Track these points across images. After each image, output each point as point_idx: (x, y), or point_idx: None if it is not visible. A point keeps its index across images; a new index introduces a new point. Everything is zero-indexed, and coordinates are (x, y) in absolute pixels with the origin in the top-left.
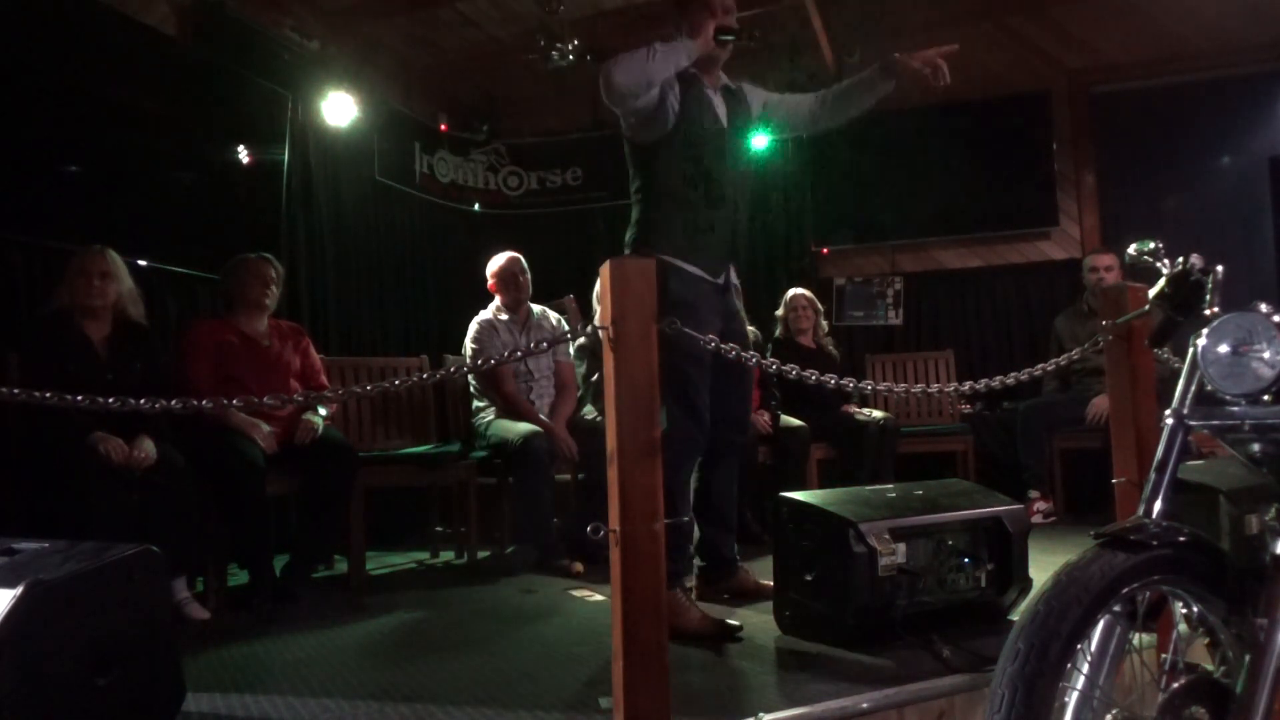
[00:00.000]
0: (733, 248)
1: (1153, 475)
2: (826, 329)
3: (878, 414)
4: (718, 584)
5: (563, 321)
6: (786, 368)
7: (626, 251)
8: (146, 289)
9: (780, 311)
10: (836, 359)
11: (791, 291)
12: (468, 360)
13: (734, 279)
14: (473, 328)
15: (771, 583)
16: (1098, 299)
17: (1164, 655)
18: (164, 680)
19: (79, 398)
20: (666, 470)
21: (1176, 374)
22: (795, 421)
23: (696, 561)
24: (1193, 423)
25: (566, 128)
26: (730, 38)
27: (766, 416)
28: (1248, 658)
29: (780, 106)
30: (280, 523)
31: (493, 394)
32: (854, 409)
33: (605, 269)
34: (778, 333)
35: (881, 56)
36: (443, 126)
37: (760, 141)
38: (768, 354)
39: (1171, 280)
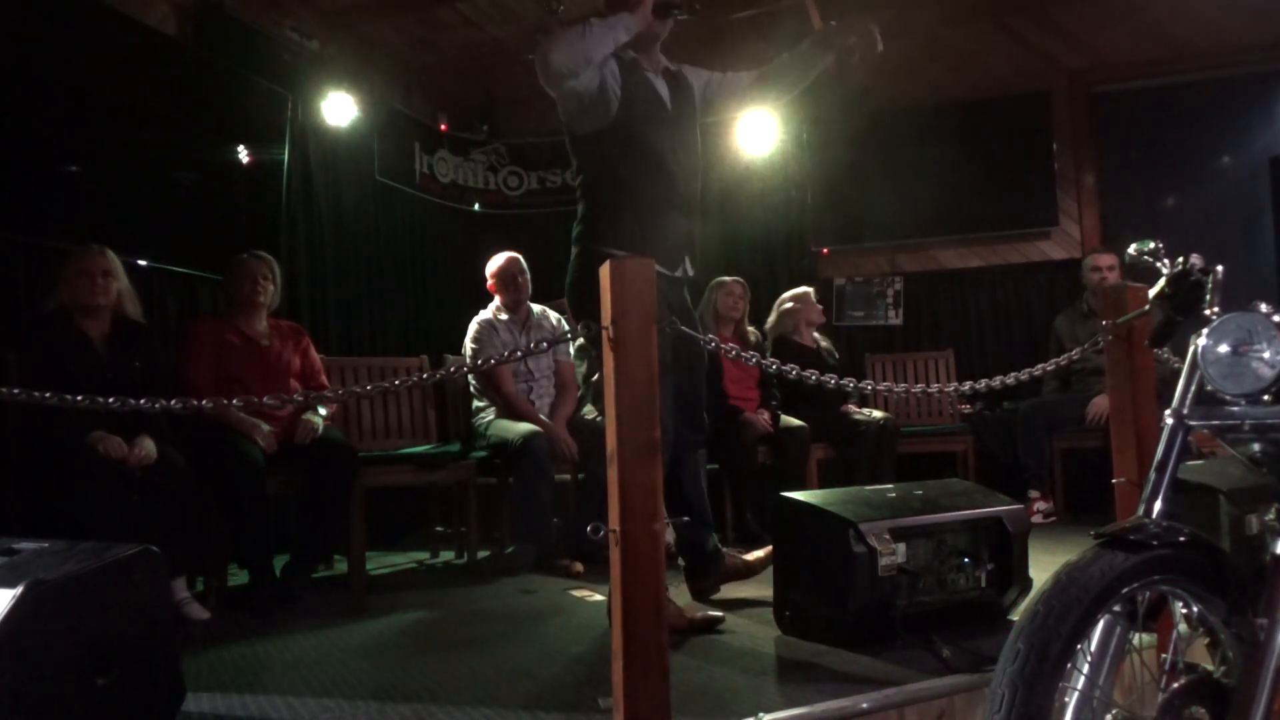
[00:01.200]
0: (690, 238)
1: (1153, 475)
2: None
3: (877, 414)
4: (707, 579)
5: (563, 321)
6: (786, 368)
7: (574, 249)
8: (146, 289)
9: (772, 318)
10: (834, 360)
11: (789, 292)
12: (468, 360)
13: (690, 271)
14: (472, 328)
15: (759, 554)
16: (1098, 299)
17: (1164, 655)
18: (164, 680)
19: (79, 397)
20: None
21: (1176, 374)
22: (795, 421)
23: (679, 563)
24: (1193, 423)
25: None
26: (680, 13)
27: (766, 416)
28: (1247, 657)
29: (720, 85)
30: (280, 523)
31: (493, 394)
32: (854, 408)
33: (605, 269)
34: (768, 328)
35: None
36: (443, 126)
37: (759, 142)
38: (767, 354)
39: (1171, 280)
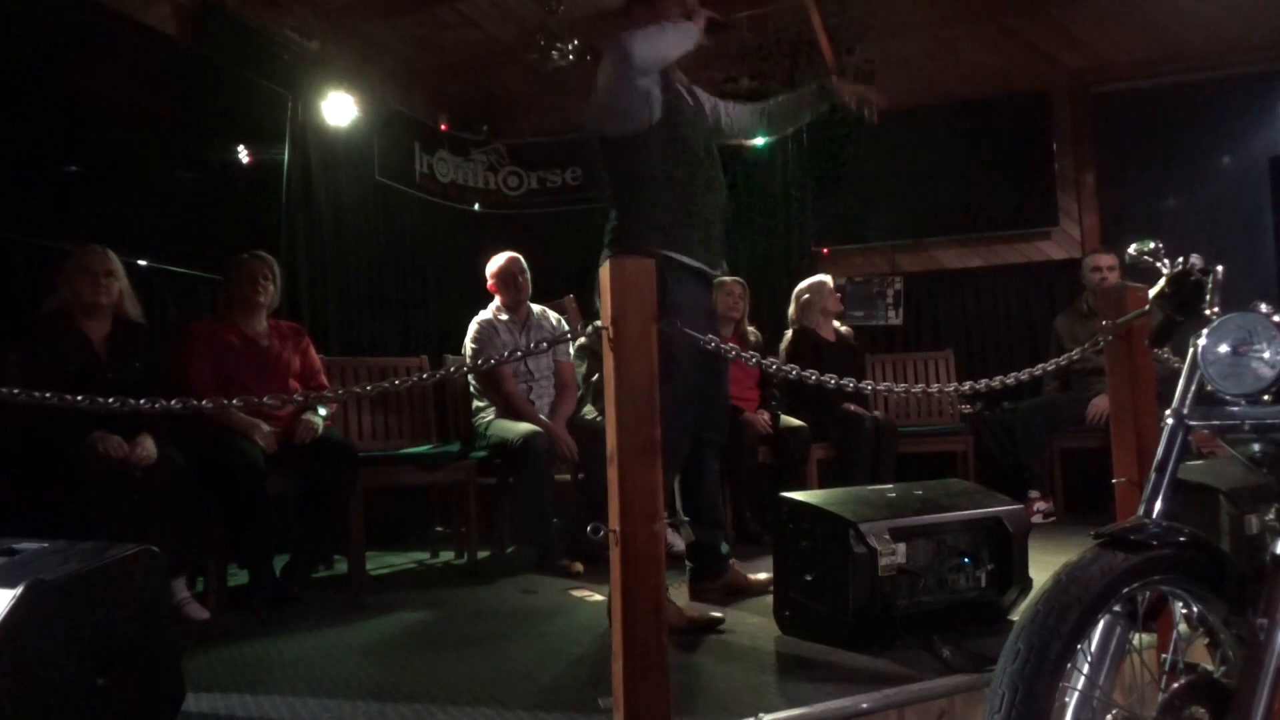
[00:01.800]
0: (724, 237)
1: (1153, 475)
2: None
3: (876, 414)
4: (711, 581)
5: (563, 321)
6: (787, 367)
7: (607, 252)
8: (146, 289)
9: (792, 310)
10: (856, 350)
11: (804, 282)
12: (468, 360)
13: (725, 271)
14: (473, 328)
15: (762, 576)
16: (1098, 299)
17: (1164, 655)
18: (164, 680)
19: (79, 397)
20: None
21: (1176, 374)
22: (795, 421)
23: (686, 564)
24: (1193, 423)
25: (566, 128)
26: (722, 30)
27: (766, 416)
28: (1247, 658)
29: (725, 113)
30: (280, 523)
31: (493, 394)
32: (854, 406)
33: (605, 269)
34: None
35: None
36: (443, 126)
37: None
38: (780, 349)
39: (1171, 280)
